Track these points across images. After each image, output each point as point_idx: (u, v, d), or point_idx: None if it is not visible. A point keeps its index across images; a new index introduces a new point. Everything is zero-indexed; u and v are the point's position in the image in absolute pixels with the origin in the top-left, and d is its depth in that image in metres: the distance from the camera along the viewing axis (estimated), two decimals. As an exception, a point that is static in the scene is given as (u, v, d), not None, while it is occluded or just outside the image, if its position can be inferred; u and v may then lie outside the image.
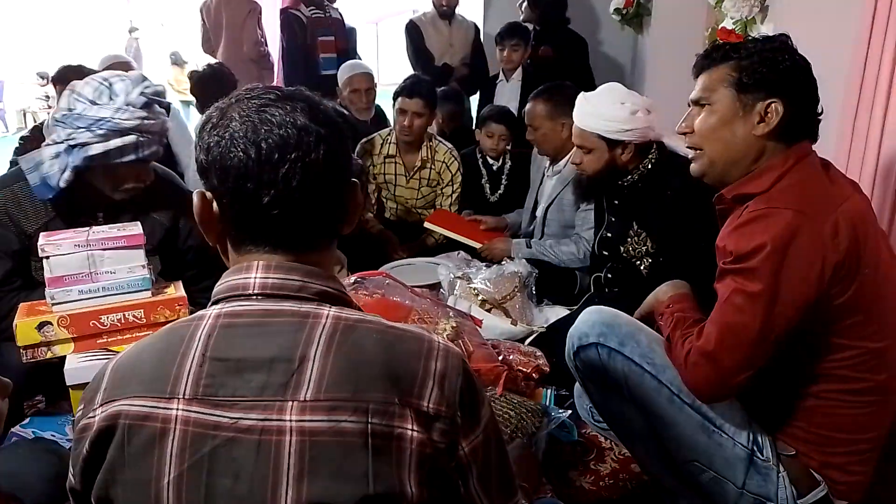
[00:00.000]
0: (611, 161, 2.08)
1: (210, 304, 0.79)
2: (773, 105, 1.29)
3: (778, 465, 1.34)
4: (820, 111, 1.34)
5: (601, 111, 2.05)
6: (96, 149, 1.62)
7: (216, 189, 0.78)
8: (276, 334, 0.74)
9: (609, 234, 2.22)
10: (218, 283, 0.80)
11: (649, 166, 2.07)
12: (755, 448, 1.34)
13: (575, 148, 2.18)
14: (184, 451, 0.71)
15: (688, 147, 1.43)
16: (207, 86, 3.39)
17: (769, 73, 1.29)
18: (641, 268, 2.12)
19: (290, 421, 0.69)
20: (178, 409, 0.72)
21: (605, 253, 2.24)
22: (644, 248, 2.09)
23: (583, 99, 2.15)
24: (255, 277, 0.77)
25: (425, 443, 0.71)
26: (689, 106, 1.42)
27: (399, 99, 2.95)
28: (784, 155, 1.31)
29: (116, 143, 1.62)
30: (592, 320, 1.44)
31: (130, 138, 1.63)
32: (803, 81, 1.31)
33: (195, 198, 0.80)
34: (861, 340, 1.26)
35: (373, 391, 0.71)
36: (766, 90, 1.29)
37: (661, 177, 2.05)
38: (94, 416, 0.75)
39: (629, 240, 2.12)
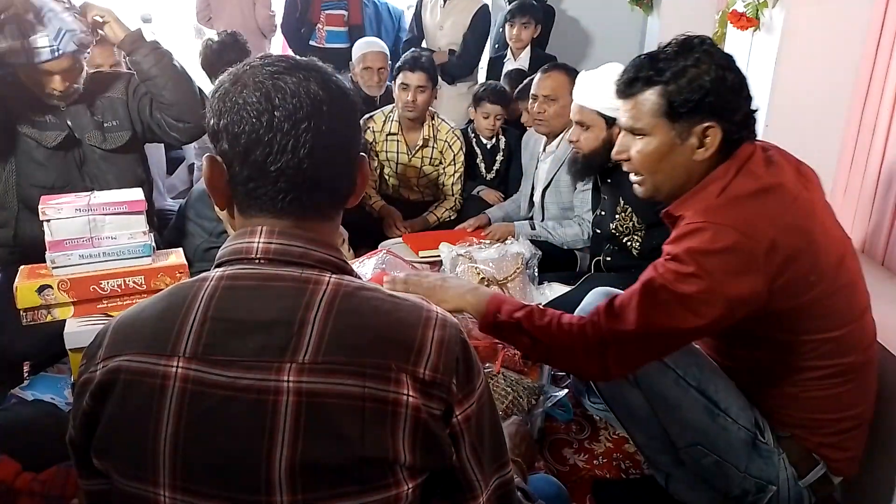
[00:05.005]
0: (607, 139, 2.07)
1: (214, 266, 0.80)
2: (710, 130, 1.24)
3: (778, 447, 1.35)
4: (755, 108, 1.28)
5: (602, 89, 2.03)
6: None
7: (226, 154, 0.78)
8: (277, 298, 0.74)
9: (602, 213, 2.24)
10: (222, 247, 0.80)
11: None
12: (757, 431, 1.35)
13: (573, 126, 2.18)
14: (182, 407, 0.71)
15: (629, 170, 1.38)
16: (224, 56, 3.27)
17: (700, 97, 1.22)
18: (631, 246, 2.11)
19: (288, 382, 0.70)
20: (178, 367, 0.72)
21: (598, 231, 2.25)
22: (630, 223, 2.09)
23: (585, 76, 2.16)
24: (259, 242, 0.77)
25: (420, 408, 0.71)
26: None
27: (401, 74, 2.88)
28: (725, 166, 1.27)
29: (2, 46, 1.76)
30: (598, 304, 1.43)
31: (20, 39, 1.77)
32: (732, 89, 1.24)
33: (205, 162, 0.80)
34: (823, 333, 1.27)
35: (370, 356, 0.71)
36: (700, 114, 1.24)
37: None
38: (95, 371, 0.76)
39: (617, 216, 2.13)
